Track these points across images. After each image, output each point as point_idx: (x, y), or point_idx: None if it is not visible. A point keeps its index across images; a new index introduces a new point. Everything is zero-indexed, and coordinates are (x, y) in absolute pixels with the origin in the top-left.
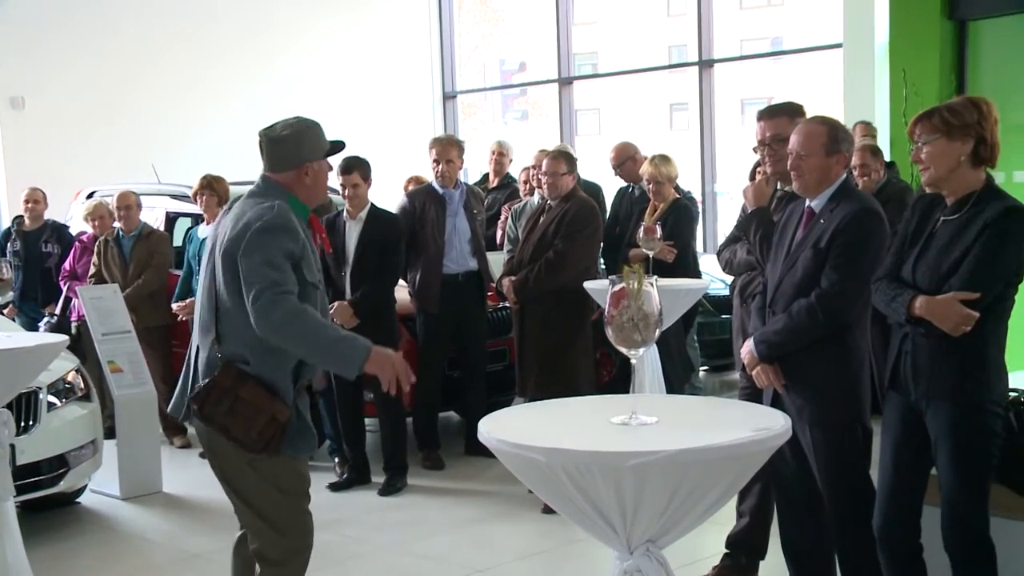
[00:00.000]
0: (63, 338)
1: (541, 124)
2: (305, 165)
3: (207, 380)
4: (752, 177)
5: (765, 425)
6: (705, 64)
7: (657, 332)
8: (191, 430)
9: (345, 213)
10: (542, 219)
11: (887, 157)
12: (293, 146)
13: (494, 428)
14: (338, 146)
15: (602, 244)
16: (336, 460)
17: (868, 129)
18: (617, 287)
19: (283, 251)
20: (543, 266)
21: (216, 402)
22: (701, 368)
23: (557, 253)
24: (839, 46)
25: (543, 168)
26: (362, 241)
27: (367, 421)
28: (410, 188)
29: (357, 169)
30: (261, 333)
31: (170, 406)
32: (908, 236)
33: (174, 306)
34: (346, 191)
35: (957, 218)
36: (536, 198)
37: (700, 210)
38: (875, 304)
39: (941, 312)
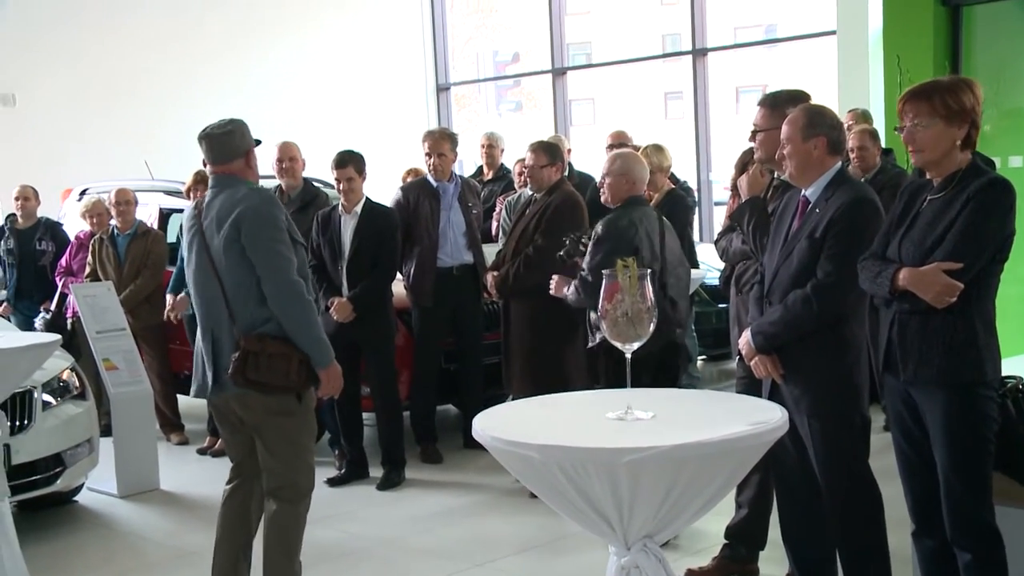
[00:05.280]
0: (55, 338)
1: (535, 115)
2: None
3: (236, 353)
4: (738, 165)
5: (761, 419)
6: (699, 52)
7: (652, 326)
8: (189, 426)
9: (340, 207)
10: (527, 212)
11: (883, 144)
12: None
13: (488, 425)
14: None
15: None
16: (336, 452)
17: (857, 116)
18: (611, 281)
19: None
20: (522, 262)
21: (253, 365)
22: (699, 357)
23: (536, 249)
24: (833, 33)
25: (525, 161)
26: (358, 235)
27: (364, 416)
28: (408, 180)
29: (351, 163)
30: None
31: (194, 390)
32: (895, 218)
33: (168, 298)
34: (341, 185)
35: (942, 196)
36: (529, 190)
37: (696, 199)
38: (861, 284)
39: (924, 282)
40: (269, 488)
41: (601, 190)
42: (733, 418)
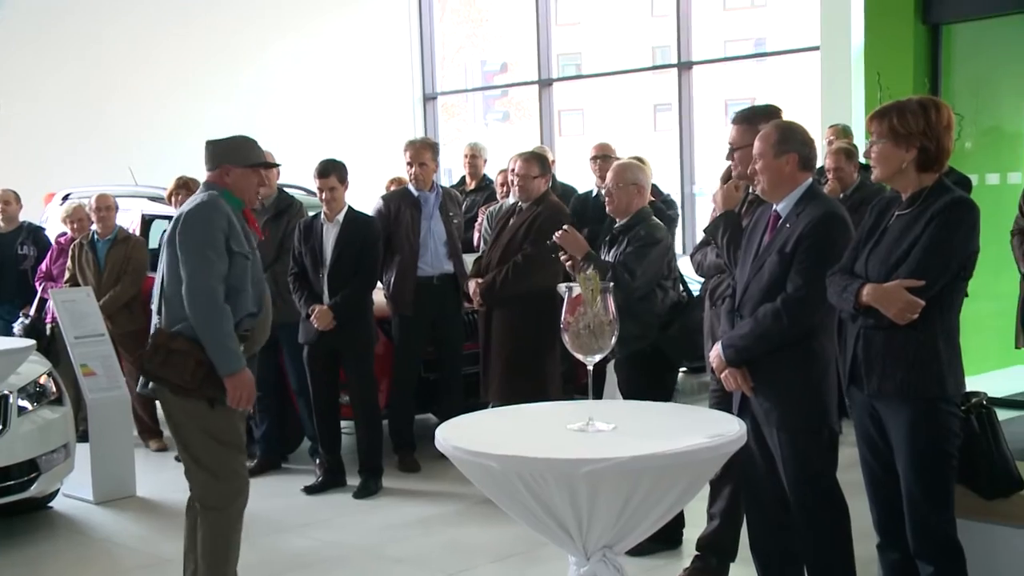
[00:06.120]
0: (29, 343)
1: (523, 125)
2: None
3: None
4: (723, 179)
5: (719, 432)
6: (684, 66)
7: (613, 339)
8: (167, 432)
9: (322, 216)
10: (512, 221)
11: (861, 160)
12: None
13: (451, 434)
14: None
15: None
16: (317, 461)
17: (837, 132)
18: (574, 294)
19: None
20: (510, 270)
21: (151, 358)
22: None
23: (525, 257)
24: (818, 48)
25: (515, 170)
26: (339, 244)
27: (343, 423)
28: (390, 189)
29: (334, 172)
30: None
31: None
32: (864, 233)
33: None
34: (323, 195)
35: (909, 212)
36: (512, 200)
37: (679, 212)
38: (829, 298)
39: (886, 299)
40: (194, 495)
41: (609, 200)
42: (692, 431)
